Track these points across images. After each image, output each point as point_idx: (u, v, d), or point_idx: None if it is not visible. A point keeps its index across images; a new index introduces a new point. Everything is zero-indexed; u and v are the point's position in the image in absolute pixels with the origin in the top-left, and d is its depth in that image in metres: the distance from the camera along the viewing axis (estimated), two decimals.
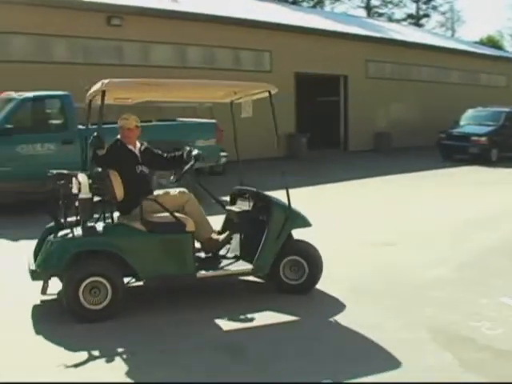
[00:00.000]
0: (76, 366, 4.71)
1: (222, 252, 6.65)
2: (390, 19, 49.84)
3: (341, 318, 5.76)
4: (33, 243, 6.28)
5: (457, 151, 20.74)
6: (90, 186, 5.75)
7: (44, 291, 5.89)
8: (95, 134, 5.93)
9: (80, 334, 5.34)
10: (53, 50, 16.67)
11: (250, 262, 6.23)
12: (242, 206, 6.88)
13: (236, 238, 6.69)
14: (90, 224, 5.81)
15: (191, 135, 12.74)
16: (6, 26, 15.47)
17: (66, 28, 16.38)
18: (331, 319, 5.76)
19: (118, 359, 4.86)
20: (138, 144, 6.59)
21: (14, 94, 11.59)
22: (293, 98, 22.33)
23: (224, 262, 6.40)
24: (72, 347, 5.04)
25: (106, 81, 5.78)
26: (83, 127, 11.58)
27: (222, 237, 6.62)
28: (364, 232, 9.54)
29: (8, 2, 15.45)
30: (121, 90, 6.29)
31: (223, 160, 13.90)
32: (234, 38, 19.98)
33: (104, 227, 5.90)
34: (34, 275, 5.80)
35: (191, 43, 19.20)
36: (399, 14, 66.07)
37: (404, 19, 53.00)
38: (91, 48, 17.25)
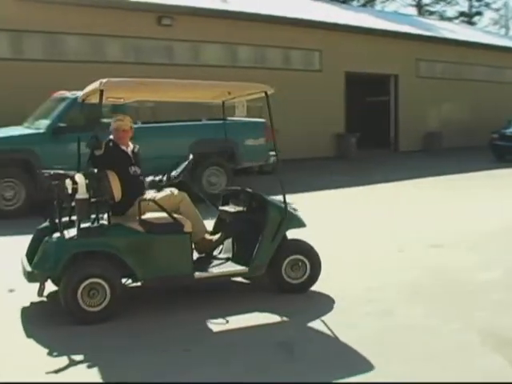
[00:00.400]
0: (69, 367, 4.67)
1: (215, 253, 6.62)
2: (442, 17, 49.15)
3: (391, 320, 5.67)
4: None
5: (510, 152, 20.30)
6: (87, 186, 5.66)
7: (41, 293, 5.74)
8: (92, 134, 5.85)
9: (75, 336, 5.29)
10: (105, 49, 16.90)
11: (244, 262, 6.18)
12: (236, 206, 6.78)
13: (229, 238, 6.63)
14: (86, 225, 5.71)
15: (240, 134, 12.76)
16: (60, 26, 15.76)
17: (118, 28, 16.59)
18: (375, 320, 5.67)
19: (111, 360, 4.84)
20: (131, 145, 6.63)
21: (67, 94, 11.77)
22: (342, 98, 22.20)
23: (219, 263, 6.36)
24: (66, 349, 4.98)
25: (104, 80, 5.66)
26: (134, 125, 11.82)
27: (215, 237, 6.57)
28: (418, 232, 9.41)
29: (62, 2, 15.73)
30: (118, 90, 6.19)
31: (272, 159, 13.86)
32: (284, 38, 19.92)
33: (101, 228, 5.78)
34: (31, 277, 5.70)
35: (241, 42, 19.23)
36: (451, 11, 65.09)
37: (456, 17, 52.18)
38: (142, 48, 17.43)
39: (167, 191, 6.51)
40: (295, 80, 19.78)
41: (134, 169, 6.42)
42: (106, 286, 5.53)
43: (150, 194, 6.49)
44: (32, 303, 6.06)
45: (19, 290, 6.23)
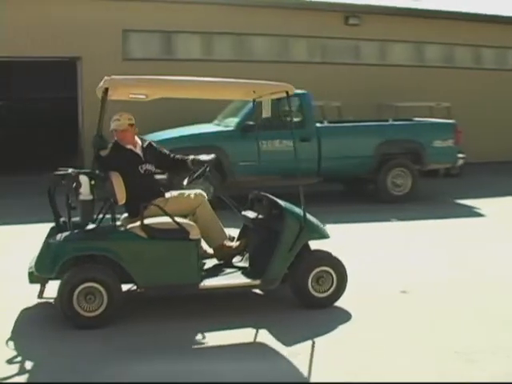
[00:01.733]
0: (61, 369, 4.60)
1: (237, 260, 6.24)
2: None
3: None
4: None
5: None
6: (92, 187, 5.47)
7: (41, 295, 5.64)
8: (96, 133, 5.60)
9: (70, 340, 5.17)
10: (291, 50, 17.07)
11: (257, 274, 5.77)
12: (258, 212, 6.34)
13: (249, 246, 6.25)
14: (89, 227, 5.51)
15: (427, 135, 12.39)
16: (247, 27, 16.13)
17: (306, 28, 16.68)
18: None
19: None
20: (139, 141, 6.29)
21: None
22: None
23: (232, 273, 5.98)
24: (60, 352, 4.92)
25: (108, 77, 5.44)
26: (320, 125, 11.85)
27: (235, 244, 6.21)
28: None
29: (249, 5, 16.10)
30: (123, 88, 5.85)
31: (460, 162, 13.34)
32: (473, 35, 19.00)
33: (103, 231, 5.53)
34: (32, 278, 5.64)
35: (430, 41, 18.61)
36: None
37: None
38: (329, 47, 17.41)
39: (191, 193, 6.24)
40: (486, 80, 18.85)
41: (145, 167, 6.11)
42: (103, 291, 5.33)
43: (172, 193, 6.25)
44: (37, 304, 5.94)
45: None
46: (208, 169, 6.34)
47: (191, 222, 5.77)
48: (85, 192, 5.44)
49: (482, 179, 15.34)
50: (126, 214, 6.05)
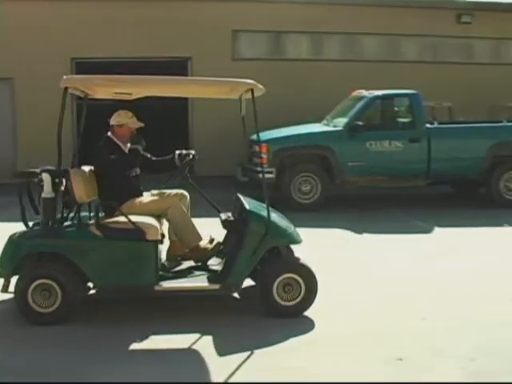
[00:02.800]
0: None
1: (215, 263, 6.02)
2: None
3: None
4: None
5: None
6: (54, 184, 5.49)
7: (4, 289, 5.57)
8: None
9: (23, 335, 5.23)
10: (402, 49, 16.81)
11: (219, 278, 5.61)
12: (233, 214, 6.14)
13: (227, 248, 6.02)
14: (50, 225, 5.52)
15: None
16: (359, 26, 16.03)
17: (416, 27, 16.39)
18: None
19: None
20: (128, 144, 6.34)
21: (364, 93, 11.98)
22: None
23: (198, 276, 5.80)
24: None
25: (65, 77, 5.53)
26: (430, 125, 11.66)
27: (210, 246, 6.01)
28: None
29: (361, 4, 15.99)
30: (81, 86, 5.90)
31: None
32: None
33: (61, 229, 5.57)
34: None
35: None
36: None
37: None
38: (440, 46, 17.03)
39: (159, 195, 6.23)
40: None
41: (130, 168, 6.16)
42: (57, 289, 5.36)
43: (146, 196, 6.23)
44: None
45: None
46: (186, 165, 6.21)
47: (153, 223, 5.65)
48: (46, 190, 5.51)
49: None
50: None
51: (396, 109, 12.22)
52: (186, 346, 5.05)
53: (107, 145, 6.14)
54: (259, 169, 11.19)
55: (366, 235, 9.20)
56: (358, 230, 9.38)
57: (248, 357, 4.80)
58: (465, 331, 5.38)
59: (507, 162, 11.68)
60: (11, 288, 5.52)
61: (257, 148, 11.45)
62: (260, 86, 5.71)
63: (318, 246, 7.68)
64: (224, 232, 6.23)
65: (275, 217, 5.79)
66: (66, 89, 5.54)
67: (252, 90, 5.61)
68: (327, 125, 12.03)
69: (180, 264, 6.05)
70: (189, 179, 6.15)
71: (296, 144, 11.45)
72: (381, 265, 7.53)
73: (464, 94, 15.41)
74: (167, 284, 5.57)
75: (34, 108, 14.63)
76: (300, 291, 5.61)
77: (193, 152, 6.27)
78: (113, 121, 6.19)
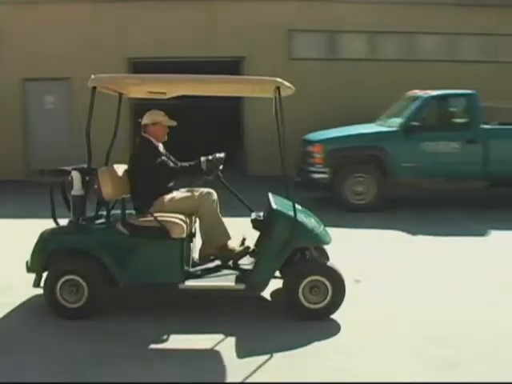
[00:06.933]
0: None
1: (247, 262, 5.92)
2: None
3: None
4: None
5: None
6: (84, 182, 5.58)
7: (36, 284, 5.68)
8: None
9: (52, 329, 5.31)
10: (457, 48, 16.52)
11: (244, 278, 5.55)
12: (264, 213, 6.05)
13: (256, 248, 5.95)
14: (78, 222, 5.63)
15: None
16: (415, 26, 15.85)
17: (476, 26, 16.09)
18: None
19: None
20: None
21: (420, 93, 11.83)
22: None
23: (225, 275, 5.74)
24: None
25: (93, 76, 5.56)
26: (488, 126, 11.43)
27: (238, 248, 5.93)
28: None
29: (418, 3, 15.81)
30: (110, 85, 5.94)
31: None
32: None
33: (89, 226, 5.70)
34: (27, 268, 5.77)
35: None
36: None
37: None
38: (501, 45, 16.59)
39: (190, 193, 6.11)
40: None
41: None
42: (84, 284, 5.46)
43: (176, 193, 6.15)
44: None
45: None
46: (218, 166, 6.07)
47: (179, 221, 5.65)
48: (76, 187, 5.63)
49: None
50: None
51: (452, 109, 11.99)
52: (210, 346, 5.05)
53: (145, 144, 6.16)
54: (312, 169, 11.21)
55: (420, 236, 9.07)
56: (413, 231, 9.27)
57: (269, 359, 4.78)
58: None
59: None
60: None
61: (311, 148, 11.42)
62: (287, 84, 5.63)
63: (370, 247, 7.61)
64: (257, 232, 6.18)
65: (302, 216, 5.70)
66: (94, 88, 5.61)
67: (278, 88, 5.52)
68: (382, 125, 11.91)
69: (209, 262, 6.04)
70: (221, 178, 6.11)
71: (350, 144, 11.37)
72: (441, 269, 7.41)
73: None
74: (192, 282, 5.61)
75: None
76: (327, 294, 5.53)
77: (222, 155, 6.14)
78: (146, 119, 6.21)
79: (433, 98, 11.62)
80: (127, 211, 5.88)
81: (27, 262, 5.78)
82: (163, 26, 15.33)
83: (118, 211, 5.90)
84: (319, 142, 11.48)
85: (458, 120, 11.75)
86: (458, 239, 8.98)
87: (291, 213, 5.58)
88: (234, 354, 4.87)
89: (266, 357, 4.79)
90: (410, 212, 11.09)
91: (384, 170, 11.19)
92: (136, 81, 5.96)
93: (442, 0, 15.90)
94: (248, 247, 5.96)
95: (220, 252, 5.96)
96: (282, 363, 4.71)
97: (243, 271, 5.77)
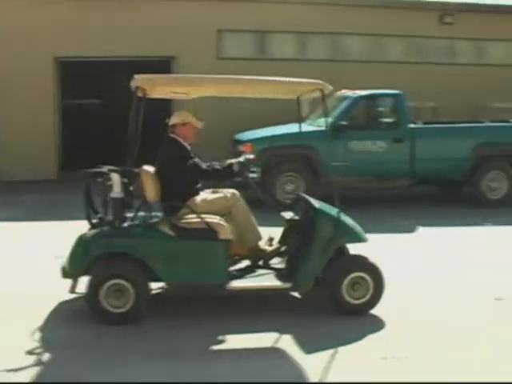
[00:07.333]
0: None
1: (276, 262, 6.09)
2: None
3: None
4: None
5: None
6: (124, 184, 5.50)
7: (72, 289, 5.62)
8: None
9: (88, 335, 5.25)
10: (385, 49, 16.87)
11: (288, 277, 5.66)
12: (297, 213, 6.24)
13: (290, 247, 6.10)
14: (118, 225, 5.55)
15: None
16: (343, 27, 16.07)
17: (399, 27, 16.45)
18: None
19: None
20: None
21: (348, 93, 11.99)
22: None
23: (264, 275, 5.86)
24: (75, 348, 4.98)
25: (136, 76, 5.55)
26: (414, 126, 11.70)
27: (269, 248, 6.10)
28: None
29: (345, 4, 16.02)
30: (152, 86, 5.89)
31: None
32: None
33: (132, 229, 5.63)
34: (64, 272, 5.66)
35: None
36: None
37: None
38: (423, 47, 17.10)
39: (221, 193, 6.15)
40: None
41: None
42: (130, 288, 5.38)
43: (205, 194, 6.17)
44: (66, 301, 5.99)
45: None
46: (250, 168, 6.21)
47: (222, 222, 5.70)
48: (116, 189, 5.50)
49: None
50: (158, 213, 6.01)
51: (380, 109, 12.23)
52: (269, 344, 5.11)
53: (176, 145, 6.06)
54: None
55: None
56: None
57: (333, 355, 4.86)
58: None
59: (490, 161, 11.76)
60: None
61: (241, 148, 11.43)
62: (330, 87, 5.84)
63: None
64: (280, 231, 6.30)
65: (343, 216, 5.82)
66: (136, 88, 5.55)
67: (322, 90, 5.76)
68: (311, 124, 12.02)
69: (240, 263, 6.05)
70: (248, 179, 6.16)
71: (280, 143, 11.41)
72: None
73: (447, 95, 15.49)
74: (238, 283, 5.63)
75: None
76: (368, 289, 5.67)
77: (251, 156, 6.26)
78: (175, 119, 6.15)
79: (361, 97, 11.81)
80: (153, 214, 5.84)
81: (64, 268, 5.63)
82: (89, 26, 15.03)
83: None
84: (249, 141, 11.50)
85: (386, 119, 11.98)
86: (389, 236, 9.17)
87: (333, 212, 5.76)
88: (298, 352, 4.92)
89: (330, 352, 4.90)
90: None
91: (314, 170, 11.30)
92: (189, 82, 5.99)
93: (367, 2, 16.17)
94: (279, 247, 6.09)
95: (252, 252, 6.02)
96: (347, 358, 4.82)
97: (279, 270, 5.86)
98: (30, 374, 4.47)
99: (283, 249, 6.13)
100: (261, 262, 6.04)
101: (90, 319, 5.43)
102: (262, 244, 6.11)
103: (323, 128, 11.40)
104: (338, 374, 4.54)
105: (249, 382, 4.42)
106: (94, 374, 4.52)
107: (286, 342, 5.11)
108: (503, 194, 11.81)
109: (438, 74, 16.17)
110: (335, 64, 15.96)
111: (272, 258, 6.08)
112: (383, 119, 12.00)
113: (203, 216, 5.64)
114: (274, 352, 5.00)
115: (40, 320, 5.52)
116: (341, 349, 4.96)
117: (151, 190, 5.67)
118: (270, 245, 6.16)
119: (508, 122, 12.83)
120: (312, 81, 5.86)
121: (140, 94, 5.77)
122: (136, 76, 5.55)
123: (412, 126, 11.66)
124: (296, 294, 6.12)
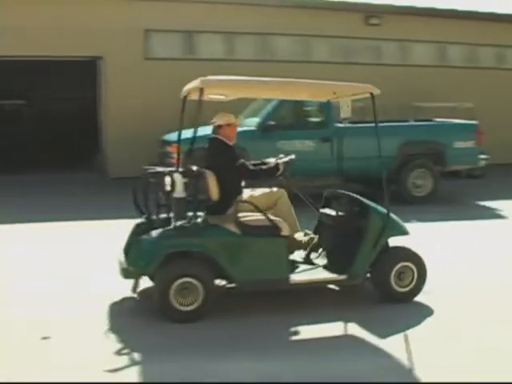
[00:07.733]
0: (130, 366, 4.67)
1: (313, 257, 6.38)
2: None
3: None
4: None
5: None
6: (185, 184, 5.62)
7: (134, 289, 5.80)
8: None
9: (158, 334, 5.31)
10: (312, 50, 17.06)
11: (340, 270, 5.96)
12: (337, 210, 6.58)
13: (326, 242, 6.43)
14: (183, 224, 5.61)
15: (448, 136, 12.41)
16: (271, 27, 16.17)
17: (327, 28, 16.67)
18: None
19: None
20: None
21: None
22: None
23: (315, 268, 6.17)
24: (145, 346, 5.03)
25: (203, 78, 5.71)
26: (341, 125, 11.84)
27: (304, 239, 6.40)
28: None
29: (273, 5, 16.14)
30: (217, 88, 6.15)
31: (482, 163, 13.28)
32: (497, 35, 18.75)
33: (197, 228, 5.67)
34: (126, 274, 5.73)
35: (452, 41, 18.47)
36: None
37: None
38: (350, 48, 17.38)
39: (265, 189, 6.41)
40: (510, 80, 18.70)
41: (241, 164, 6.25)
42: (200, 286, 5.49)
43: (247, 192, 6.32)
44: (124, 299, 6.08)
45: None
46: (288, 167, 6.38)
47: (280, 219, 5.92)
48: (179, 189, 5.59)
49: (505, 181, 15.24)
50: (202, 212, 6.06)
51: (308, 108, 12.33)
52: (336, 334, 5.37)
53: (223, 146, 6.17)
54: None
55: None
56: None
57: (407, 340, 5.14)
58: None
59: (415, 160, 12.03)
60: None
61: (168, 148, 11.34)
62: (377, 90, 6.18)
63: None
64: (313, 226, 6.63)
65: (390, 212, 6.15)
66: (201, 90, 5.67)
67: (372, 94, 6.15)
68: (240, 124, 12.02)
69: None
70: (288, 178, 6.50)
71: (205, 144, 11.33)
72: None
73: None
74: (299, 277, 5.88)
75: None
76: (412, 278, 6.03)
77: (293, 156, 6.43)
78: (221, 120, 6.22)
79: None
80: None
81: (125, 269, 5.68)
82: (13, 26, 14.64)
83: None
84: (176, 142, 11.40)
85: (313, 119, 12.10)
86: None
87: (381, 207, 6.17)
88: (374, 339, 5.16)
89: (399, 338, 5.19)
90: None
91: None
92: (244, 84, 6.26)
93: (295, 2, 16.31)
94: (312, 238, 6.36)
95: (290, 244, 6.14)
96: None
97: (334, 264, 6.12)
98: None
99: (315, 240, 6.38)
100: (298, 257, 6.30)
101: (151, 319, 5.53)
102: (299, 237, 6.38)
103: (252, 128, 11.50)
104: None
105: (252, 382, 4.46)
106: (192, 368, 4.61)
107: (354, 332, 5.38)
108: (428, 192, 12.12)
109: (364, 74, 16.40)
110: (264, 64, 16.04)
111: (302, 249, 6.36)
112: (311, 119, 12.11)
113: (248, 213, 5.85)
114: (336, 343, 5.21)
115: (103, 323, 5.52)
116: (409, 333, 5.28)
117: (214, 190, 5.82)
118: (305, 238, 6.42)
119: (432, 121, 13.17)
120: (362, 84, 6.23)
121: (193, 97, 5.99)
122: (201, 78, 5.69)
123: (339, 125, 11.80)
124: (333, 287, 6.46)
